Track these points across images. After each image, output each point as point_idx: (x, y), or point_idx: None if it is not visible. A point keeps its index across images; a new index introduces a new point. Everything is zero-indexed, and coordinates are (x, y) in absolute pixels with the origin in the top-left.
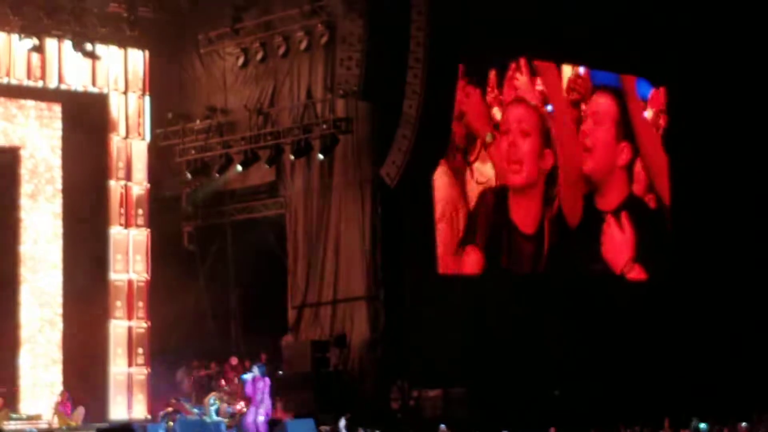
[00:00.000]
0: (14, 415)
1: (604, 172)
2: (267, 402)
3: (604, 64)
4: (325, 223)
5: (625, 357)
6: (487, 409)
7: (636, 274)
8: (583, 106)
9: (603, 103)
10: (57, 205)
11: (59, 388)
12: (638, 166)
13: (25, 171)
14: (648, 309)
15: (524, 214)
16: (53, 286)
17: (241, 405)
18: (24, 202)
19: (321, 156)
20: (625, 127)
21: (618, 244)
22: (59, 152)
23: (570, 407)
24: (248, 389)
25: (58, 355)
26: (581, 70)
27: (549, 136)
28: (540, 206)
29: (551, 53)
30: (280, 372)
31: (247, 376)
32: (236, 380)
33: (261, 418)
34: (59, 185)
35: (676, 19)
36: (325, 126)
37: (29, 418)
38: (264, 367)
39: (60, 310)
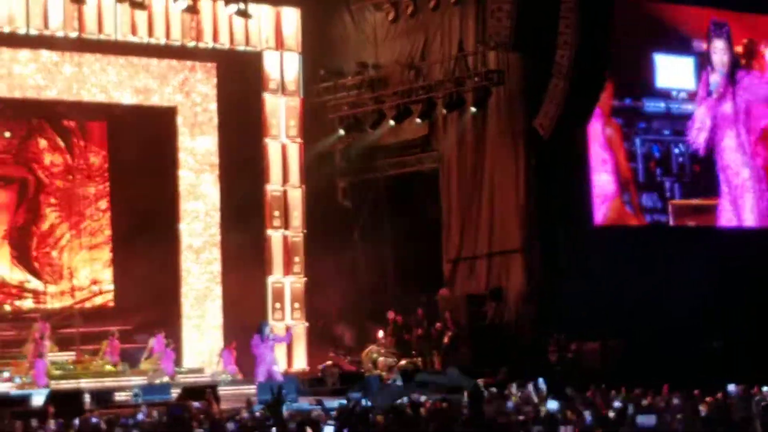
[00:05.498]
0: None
1: None
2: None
3: None
4: (478, 176)
5: None
6: (644, 362)
7: None
8: None
9: None
10: (214, 163)
11: (220, 343)
12: None
13: (182, 130)
14: None
15: None
16: (212, 244)
17: (398, 357)
18: (181, 159)
19: (473, 109)
20: None
21: None
22: (215, 111)
23: (730, 360)
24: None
25: (218, 311)
26: None
27: None
28: None
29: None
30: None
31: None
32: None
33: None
34: (215, 144)
35: None
36: (477, 79)
37: (190, 371)
38: (267, 326)
39: (219, 267)
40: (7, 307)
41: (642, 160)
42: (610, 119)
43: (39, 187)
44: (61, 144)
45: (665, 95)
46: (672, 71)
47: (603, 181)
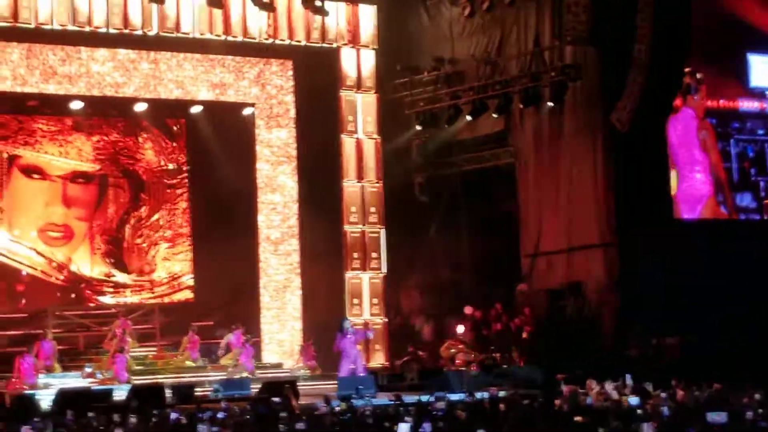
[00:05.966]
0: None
1: None
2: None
3: None
4: (556, 170)
5: None
6: (724, 358)
7: None
8: None
9: None
10: (291, 160)
11: (299, 336)
12: None
13: (258, 122)
14: None
15: None
16: (290, 235)
17: (477, 353)
18: (258, 151)
19: (550, 104)
20: None
21: None
22: (291, 103)
23: None
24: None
25: (297, 306)
26: None
27: None
28: None
29: None
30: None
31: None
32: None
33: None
34: (291, 136)
35: None
36: (554, 73)
37: (269, 367)
38: (347, 321)
39: (298, 263)
40: (92, 304)
41: (736, 160)
42: (704, 120)
43: (119, 184)
44: (139, 140)
45: (759, 95)
46: (766, 71)
47: (697, 181)
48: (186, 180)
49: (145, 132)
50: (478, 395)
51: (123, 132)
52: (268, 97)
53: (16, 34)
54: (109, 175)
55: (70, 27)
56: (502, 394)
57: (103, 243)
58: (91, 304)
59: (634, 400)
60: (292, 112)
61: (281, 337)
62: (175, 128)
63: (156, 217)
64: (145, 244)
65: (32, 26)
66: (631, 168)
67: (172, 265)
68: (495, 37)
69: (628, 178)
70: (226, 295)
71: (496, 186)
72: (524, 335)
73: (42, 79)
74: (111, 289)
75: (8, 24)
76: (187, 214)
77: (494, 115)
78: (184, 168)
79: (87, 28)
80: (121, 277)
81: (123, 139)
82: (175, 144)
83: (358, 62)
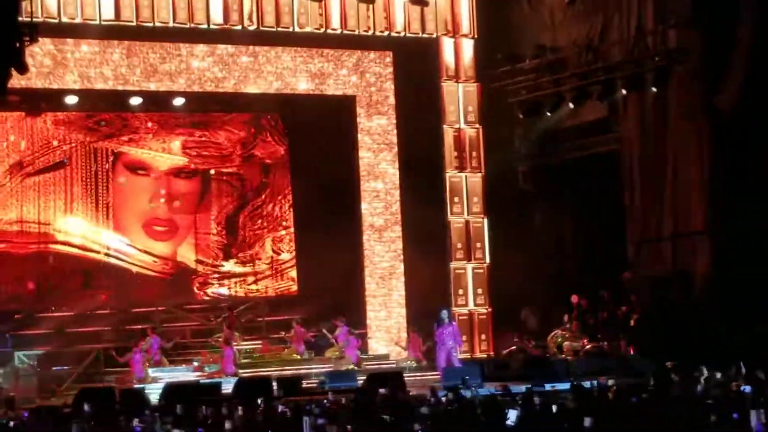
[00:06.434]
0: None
1: None
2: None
3: None
4: (661, 156)
5: None
6: None
7: None
8: None
9: None
10: (392, 147)
11: (404, 324)
12: None
13: (358, 110)
14: None
15: None
16: (393, 222)
17: (584, 342)
18: (359, 139)
19: (654, 89)
20: None
21: None
22: (391, 95)
23: None
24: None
25: (402, 293)
26: None
27: None
28: None
29: None
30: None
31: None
32: (576, 318)
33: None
34: (392, 128)
35: None
36: (657, 58)
37: (375, 358)
38: (444, 311)
39: (401, 254)
40: (199, 298)
41: None
42: None
43: (220, 178)
44: (241, 133)
45: None
46: None
47: None
48: (288, 171)
49: (246, 125)
50: (586, 384)
51: (225, 126)
52: (368, 85)
53: (116, 32)
54: (211, 169)
55: (171, 24)
56: (610, 382)
57: (206, 237)
58: (198, 299)
59: (746, 387)
60: (391, 99)
61: (388, 323)
62: (276, 120)
63: (259, 209)
64: (248, 237)
65: (134, 24)
66: (737, 152)
67: (275, 257)
68: (597, 23)
69: (735, 162)
70: (331, 284)
71: (600, 173)
72: (631, 323)
73: (143, 78)
74: (215, 282)
75: (113, 23)
76: (289, 205)
77: (597, 102)
78: (286, 159)
79: (188, 25)
80: (225, 269)
81: (224, 133)
82: (276, 135)
83: (458, 52)
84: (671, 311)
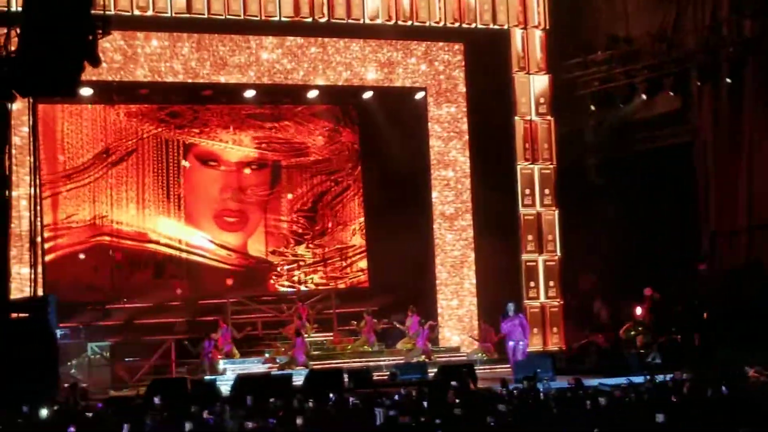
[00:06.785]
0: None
1: None
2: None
3: None
4: (736, 147)
5: None
6: None
7: None
8: None
9: None
10: (462, 135)
11: (476, 315)
12: None
13: (429, 103)
14: None
15: None
16: (464, 210)
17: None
18: (431, 130)
19: (729, 80)
20: None
21: None
22: (460, 84)
23: None
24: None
25: (472, 289)
26: None
27: None
28: None
29: None
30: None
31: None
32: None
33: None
34: (462, 116)
35: None
36: (732, 48)
37: (446, 350)
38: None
39: (472, 246)
40: (269, 289)
41: None
42: None
43: (291, 169)
44: (310, 125)
45: None
46: None
47: None
48: (359, 162)
49: (316, 117)
50: (659, 378)
51: (294, 118)
52: (437, 74)
53: (186, 25)
54: (282, 160)
55: (242, 17)
56: (685, 377)
57: (276, 228)
58: (269, 290)
59: None
60: (461, 87)
61: (460, 312)
62: (346, 110)
63: (330, 200)
64: (319, 228)
65: (205, 17)
66: None
67: (345, 248)
68: (670, 13)
69: None
70: (402, 273)
71: (674, 165)
72: (705, 316)
73: (212, 71)
74: (286, 274)
75: (184, 15)
76: (360, 194)
77: (671, 93)
78: (357, 150)
79: (259, 18)
80: (295, 260)
81: (294, 125)
82: (347, 126)
83: (529, 43)
84: (745, 303)
